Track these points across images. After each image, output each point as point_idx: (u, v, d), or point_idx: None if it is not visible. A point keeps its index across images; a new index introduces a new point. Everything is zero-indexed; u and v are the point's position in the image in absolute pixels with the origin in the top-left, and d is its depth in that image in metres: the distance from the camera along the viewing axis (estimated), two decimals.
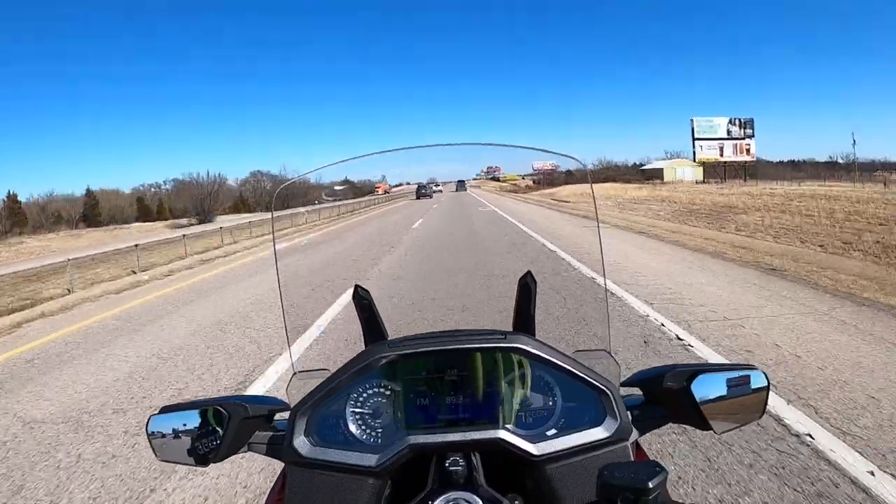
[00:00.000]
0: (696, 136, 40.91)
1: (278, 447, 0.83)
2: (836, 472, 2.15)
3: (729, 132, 41.41)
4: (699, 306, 4.96)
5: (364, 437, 0.82)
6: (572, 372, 0.81)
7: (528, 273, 0.98)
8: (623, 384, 0.90)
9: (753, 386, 0.82)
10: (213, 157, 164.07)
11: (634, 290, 5.71)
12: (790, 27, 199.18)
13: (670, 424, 0.86)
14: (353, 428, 0.82)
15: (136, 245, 11.28)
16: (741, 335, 4.04)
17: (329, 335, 4.70)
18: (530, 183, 79.98)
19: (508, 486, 0.80)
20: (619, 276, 6.47)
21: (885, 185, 27.46)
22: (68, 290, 8.85)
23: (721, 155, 41.42)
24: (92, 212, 52.59)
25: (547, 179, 68.07)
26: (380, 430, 0.82)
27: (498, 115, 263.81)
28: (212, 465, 0.83)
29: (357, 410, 0.83)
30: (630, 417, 0.82)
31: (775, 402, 2.79)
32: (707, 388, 0.80)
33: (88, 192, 54.88)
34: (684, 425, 0.84)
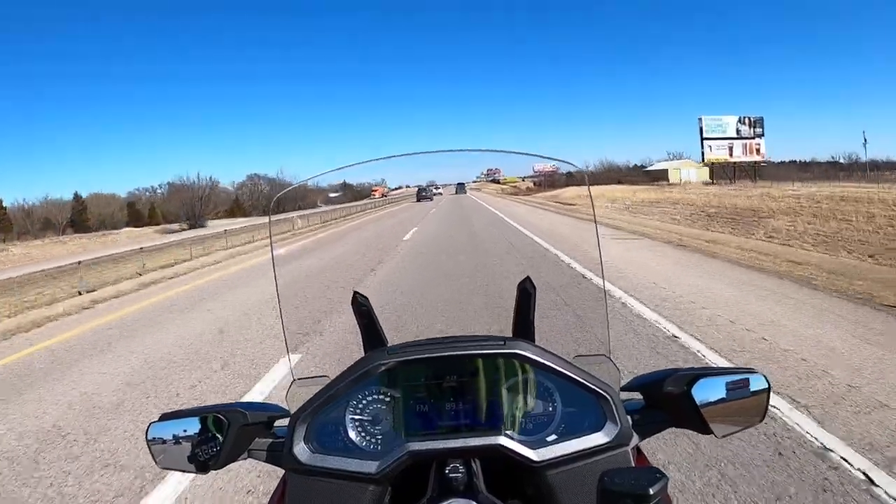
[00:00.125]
0: (705, 135, 39.41)
1: (278, 454, 0.84)
2: None
3: (738, 131, 40.00)
4: None
5: (364, 443, 0.82)
6: (572, 377, 0.81)
7: (527, 278, 0.99)
8: (623, 389, 0.90)
9: (754, 389, 0.82)
10: (211, 161, 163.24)
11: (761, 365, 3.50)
12: (790, 26, 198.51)
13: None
14: (352, 435, 0.83)
15: (80, 262, 10.07)
16: None
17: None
18: (531, 185, 79.49)
19: (509, 493, 0.81)
20: (696, 325, 4.52)
21: None
22: None
23: (731, 155, 40.00)
24: (80, 217, 51.34)
25: (548, 181, 67.60)
26: (380, 437, 0.83)
27: (498, 115, 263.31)
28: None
29: (357, 417, 0.83)
30: (630, 422, 0.82)
31: None
32: (707, 392, 0.80)
33: (76, 197, 53.65)
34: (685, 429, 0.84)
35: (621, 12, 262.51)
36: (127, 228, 50.48)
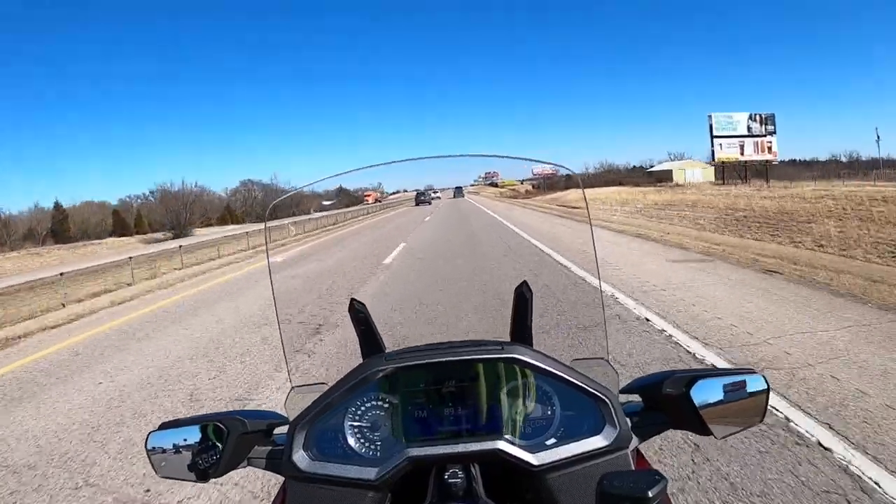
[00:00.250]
0: (715, 133, 37.53)
1: (278, 461, 0.84)
2: None
3: (749, 129, 38.20)
4: None
5: (363, 450, 0.83)
6: (570, 381, 0.81)
7: (524, 283, 0.99)
8: (622, 391, 0.90)
9: (753, 389, 0.82)
10: (205, 166, 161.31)
11: None
12: (790, 24, 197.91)
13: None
14: (351, 441, 0.83)
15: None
16: None
17: None
18: (529, 188, 78.72)
19: (508, 497, 0.81)
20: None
21: None
22: None
23: (742, 153, 38.17)
24: (61, 227, 49.45)
25: (546, 184, 66.81)
26: (379, 443, 0.83)
27: (496, 117, 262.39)
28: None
29: (356, 424, 0.84)
30: (630, 425, 0.82)
31: None
32: (706, 393, 0.80)
33: (57, 206, 51.76)
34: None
35: (621, 12, 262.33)
36: (111, 238, 48.75)
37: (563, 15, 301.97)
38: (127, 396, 4.07)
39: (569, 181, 50.13)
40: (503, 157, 1.27)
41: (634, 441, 0.82)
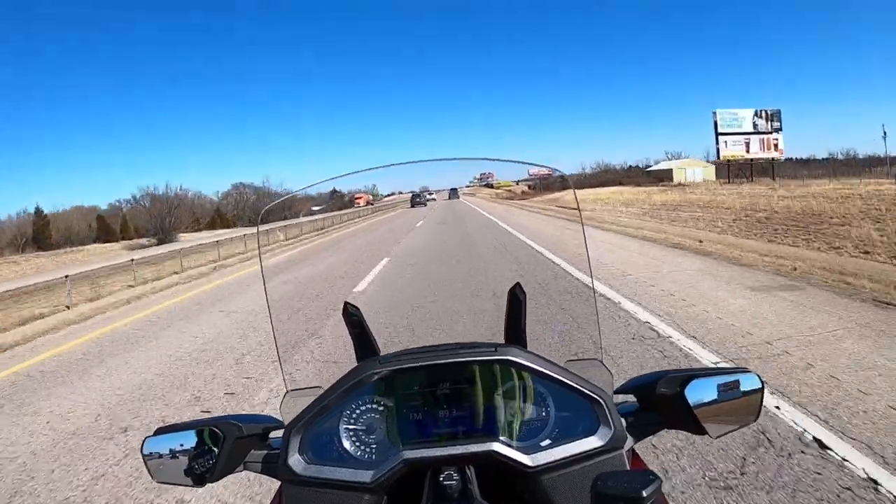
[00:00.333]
0: (720, 130, 36.26)
1: (273, 465, 0.84)
2: None
3: (755, 125, 36.94)
4: None
5: (359, 453, 0.83)
6: (564, 382, 0.82)
7: (517, 284, 1.00)
8: (617, 391, 0.91)
9: (747, 388, 0.82)
10: (198, 170, 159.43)
11: None
12: (786, 22, 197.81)
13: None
14: (347, 444, 0.84)
15: None
16: None
17: None
18: (525, 189, 77.44)
19: (503, 499, 0.81)
20: None
21: None
22: None
23: (748, 151, 36.90)
24: (42, 233, 47.87)
25: (542, 185, 65.35)
26: (374, 446, 0.83)
27: (490, 117, 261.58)
28: None
29: (351, 427, 0.84)
30: (624, 425, 0.83)
31: None
32: (701, 393, 0.80)
33: (37, 212, 50.17)
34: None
35: (615, 9, 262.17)
36: (95, 245, 47.33)
37: (556, 15, 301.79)
38: None
39: (565, 182, 49.08)
40: (496, 160, 1.33)
41: (629, 441, 0.82)
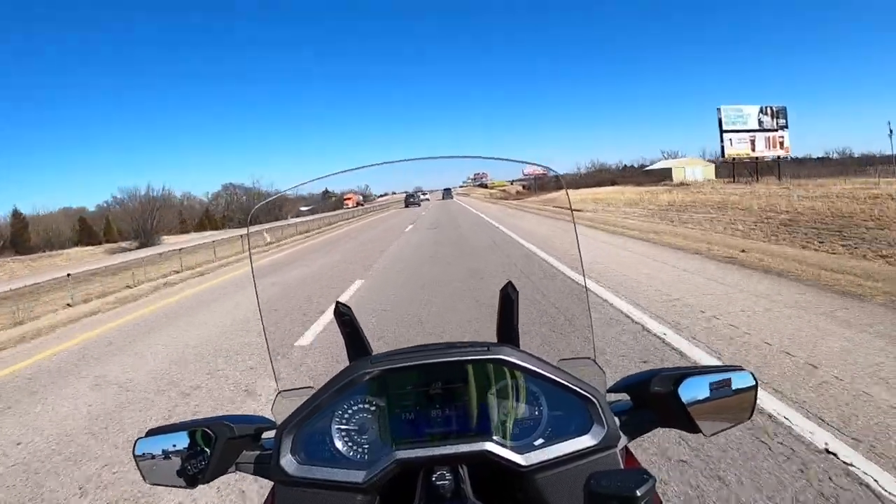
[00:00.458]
0: (725, 127, 34.96)
1: (266, 466, 0.84)
2: None
3: (760, 123, 35.68)
4: None
5: (351, 453, 0.83)
6: (557, 381, 0.82)
7: (510, 283, 0.99)
8: (610, 390, 0.91)
9: (741, 386, 0.82)
10: (190, 171, 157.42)
11: None
12: (784, 21, 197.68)
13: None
14: (339, 445, 0.83)
15: None
16: None
17: None
18: (520, 189, 77.14)
19: (497, 498, 0.81)
20: None
21: None
22: None
23: (753, 149, 35.65)
24: (20, 236, 46.18)
25: (537, 185, 65.13)
26: (366, 446, 0.83)
27: (483, 117, 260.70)
28: None
29: (343, 427, 0.84)
30: (618, 423, 0.82)
31: None
32: (694, 391, 0.80)
33: (15, 213, 48.44)
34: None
35: (613, 11, 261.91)
36: (76, 248, 45.81)
37: (554, 15, 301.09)
38: None
39: (559, 181, 47.99)
40: (489, 158, 1.31)
41: (623, 440, 0.82)
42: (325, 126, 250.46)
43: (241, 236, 19.56)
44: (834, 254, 8.42)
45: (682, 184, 40.94)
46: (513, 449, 0.79)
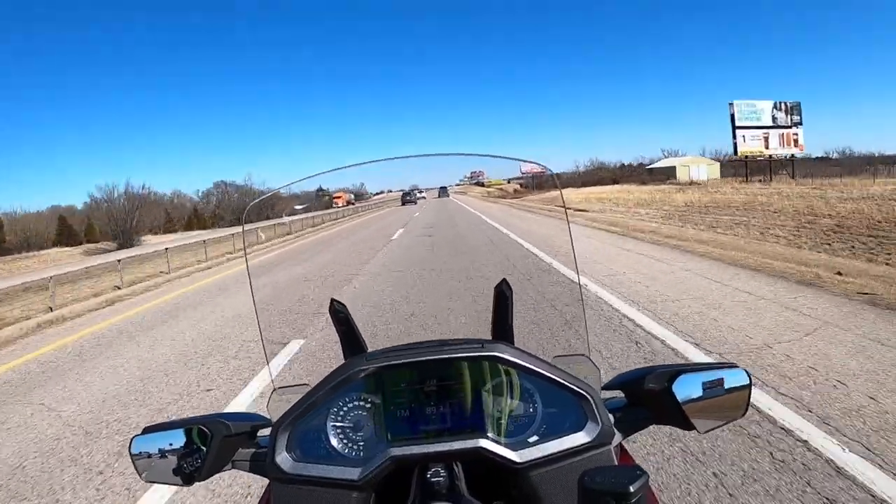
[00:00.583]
0: (737, 123, 33.17)
1: (261, 463, 0.84)
2: None
3: (774, 119, 34.01)
4: None
5: (346, 450, 0.83)
6: (552, 378, 0.82)
7: (504, 280, 0.98)
8: (605, 387, 0.91)
9: (735, 384, 0.83)
10: (180, 169, 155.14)
11: None
12: (784, 19, 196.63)
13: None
14: (334, 442, 0.84)
15: None
16: None
17: None
18: (517, 187, 76.67)
19: (492, 495, 0.82)
20: None
21: None
22: None
23: (766, 146, 33.95)
24: None
25: (535, 183, 64.83)
26: (361, 444, 0.84)
27: (480, 115, 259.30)
28: None
29: (338, 424, 0.84)
30: (612, 420, 0.83)
31: None
32: (688, 388, 0.80)
33: None
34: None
35: (612, 10, 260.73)
36: (55, 249, 43.91)
37: (553, 15, 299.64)
38: None
39: (555, 180, 46.49)
40: (485, 155, 1.30)
41: (617, 437, 0.83)
42: (325, 126, 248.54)
43: (234, 234, 18.23)
44: None
45: (691, 183, 39.35)
46: (507, 446, 0.79)
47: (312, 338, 5.16)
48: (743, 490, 2.19)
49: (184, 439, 0.82)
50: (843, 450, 2.41)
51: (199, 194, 70.28)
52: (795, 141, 35.04)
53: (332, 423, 0.84)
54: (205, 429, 0.82)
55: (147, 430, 0.85)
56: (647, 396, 0.85)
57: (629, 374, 0.89)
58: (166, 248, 14.23)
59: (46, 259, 33.82)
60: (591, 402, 0.81)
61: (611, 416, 0.83)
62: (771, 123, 34.00)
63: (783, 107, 34.52)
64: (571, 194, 34.01)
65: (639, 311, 5.02)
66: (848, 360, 3.48)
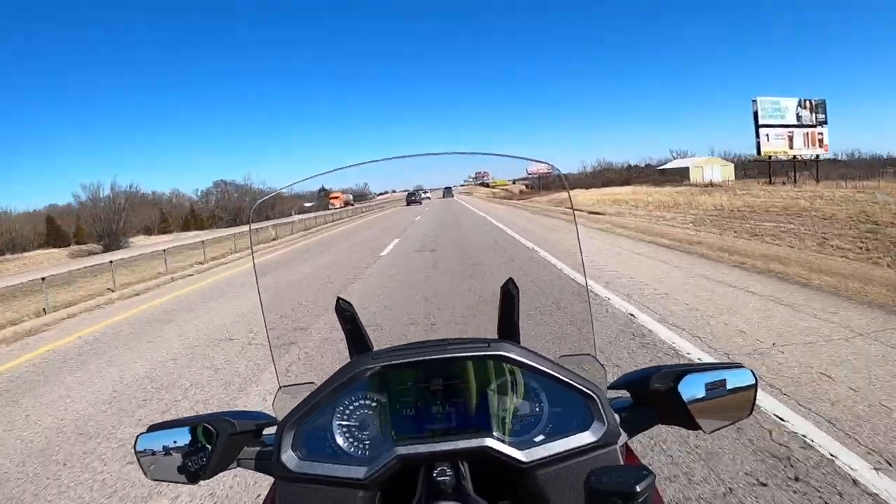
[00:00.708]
0: (761, 121, 31.43)
1: (267, 462, 0.84)
2: None
3: (799, 117, 32.32)
4: None
5: (352, 449, 0.83)
6: (558, 377, 0.82)
7: (510, 280, 0.97)
8: (611, 387, 0.91)
9: (740, 384, 0.83)
10: (179, 168, 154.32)
11: None
12: (801, 14, 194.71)
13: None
14: (340, 441, 0.83)
15: None
16: None
17: None
18: (523, 188, 76.05)
19: (498, 494, 0.81)
20: None
21: None
22: None
23: (791, 146, 32.25)
24: None
25: (541, 183, 64.51)
26: (367, 442, 0.83)
27: (485, 116, 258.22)
28: None
29: (344, 423, 0.84)
30: (618, 420, 0.83)
31: None
32: (694, 388, 0.80)
33: None
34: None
35: (616, 10, 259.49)
36: (41, 250, 42.63)
37: (555, 15, 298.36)
38: None
39: (563, 181, 45.22)
40: (492, 154, 1.28)
41: (623, 437, 0.82)
42: (326, 125, 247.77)
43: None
44: None
45: (711, 184, 37.67)
46: (513, 445, 0.79)
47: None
48: None
49: (189, 437, 0.82)
50: None
51: (199, 193, 69.42)
52: (820, 141, 33.34)
53: (337, 422, 0.83)
54: (210, 427, 0.81)
55: (152, 428, 0.85)
56: (653, 396, 0.84)
57: (635, 374, 0.89)
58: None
59: (27, 262, 32.45)
60: (598, 401, 0.80)
61: (616, 416, 0.82)
62: (795, 122, 32.30)
63: (808, 104, 32.80)
64: (582, 196, 32.46)
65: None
66: None
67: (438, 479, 0.76)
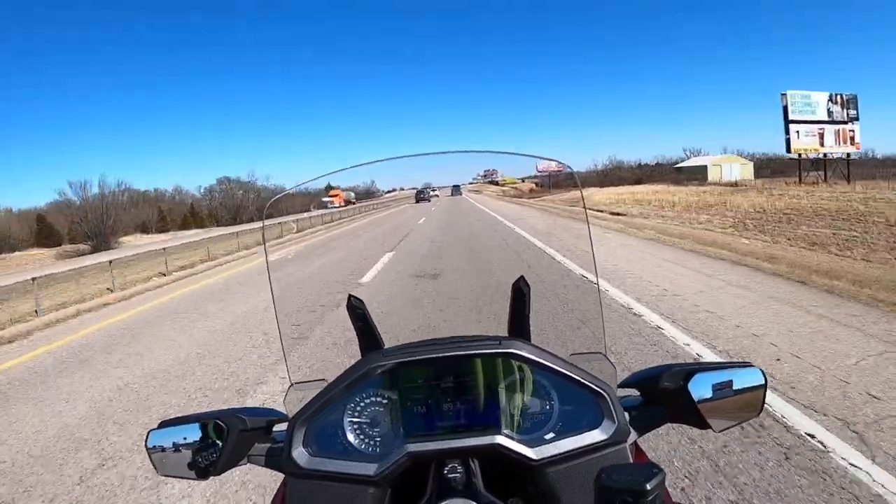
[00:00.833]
0: (791, 117, 29.43)
1: (277, 458, 0.84)
2: None
3: (830, 113, 30.42)
4: None
5: (363, 446, 0.83)
6: (568, 375, 0.82)
7: (521, 278, 0.97)
8: (621, 385, 0.91)
9: (750, 384, 0.82)
10: (182, 166, 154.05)
11: None
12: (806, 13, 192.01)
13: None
14: (351, 437, 0.83)
15: None
16: None
17: None
18: (533, 186, 75.10)
19: (508, 492, 0.82)
20: None
21: None
22: None
23: (822, 143, 30.40)
24: None
25: (552, 182, 63.49)
26: (378, 439, 0.83)
27: (491, 116, 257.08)
28: None
29: (355, 420, 0.84)
30: (628, 419, 0.83)
31: None
32: (704, 387, 0.80)
33: None
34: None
35: (621, 9, 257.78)
36: (28, 250, 41.67)
37: (557, 14, 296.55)
38: None
39: (574, 179, 43.57)
40: (501, 153, 1.25)
41: (633, 435, 0.82)
42: (326, 125, 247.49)
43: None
44: None
45: (736, 183, 35.90)
46: (524, 443, 0.79)
47: None
48: None
49: (199, 434, 0.82)
50: None
51: (202, 191, 68.60)
52: (852, 138, 31.52)
53: (348, 419, 0.83)
54: (221, 423, 0.81)
55: (163, 424, 0.85)
56: (663, 395, 0.84)
57: (645, 373, 0.89)
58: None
59: (9, 263, 31.28)
60: (608, 399, 0.80)
61: (626, 415, 0.82)
62: (826, 118, 30.46)
63: (839, 99, 30.91)
64: (598, 195, 30.86)
65: None
66: None
67: (449, 476, 0.77)
